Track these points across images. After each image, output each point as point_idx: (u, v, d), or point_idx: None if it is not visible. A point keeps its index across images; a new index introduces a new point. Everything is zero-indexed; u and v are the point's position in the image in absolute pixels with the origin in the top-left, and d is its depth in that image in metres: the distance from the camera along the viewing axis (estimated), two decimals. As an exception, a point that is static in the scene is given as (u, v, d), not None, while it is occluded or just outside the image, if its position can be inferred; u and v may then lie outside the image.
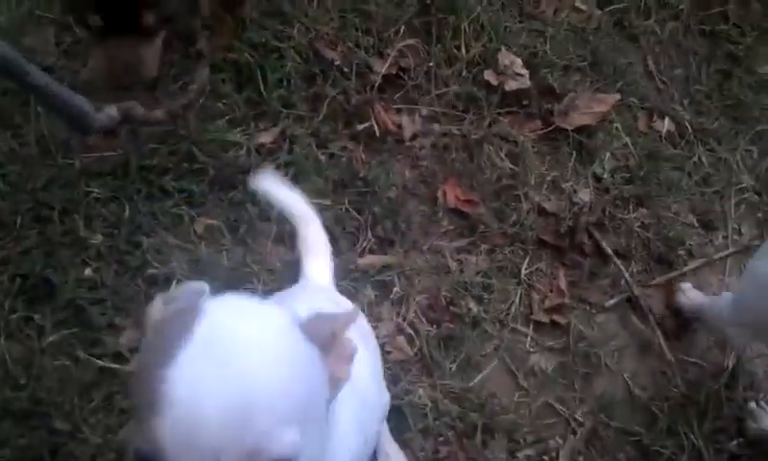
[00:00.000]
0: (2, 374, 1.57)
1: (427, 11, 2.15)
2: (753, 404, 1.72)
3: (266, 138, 1.91)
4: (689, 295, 1.81)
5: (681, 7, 2.35)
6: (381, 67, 2.04)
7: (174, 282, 1.69)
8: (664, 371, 1.77)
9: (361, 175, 1.90)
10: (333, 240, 1.80)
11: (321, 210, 1.82)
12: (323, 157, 1.90)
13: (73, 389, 1.55)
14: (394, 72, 2.04)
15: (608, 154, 2.05)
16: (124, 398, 1.55)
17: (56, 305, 1.63)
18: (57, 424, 1.53)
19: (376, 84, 2.01)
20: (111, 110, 1.44)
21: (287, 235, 1.82)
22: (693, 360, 1.80)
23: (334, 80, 2.01)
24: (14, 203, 1.71)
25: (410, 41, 2.08)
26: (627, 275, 1.86)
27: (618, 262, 1.88)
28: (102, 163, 1.80)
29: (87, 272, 1.68)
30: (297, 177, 1.85)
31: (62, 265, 1.67)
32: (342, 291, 1.72)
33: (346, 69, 2.02)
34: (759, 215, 2.04)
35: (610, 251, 1.89)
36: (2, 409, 1.52)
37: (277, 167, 1.85)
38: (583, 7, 2.32)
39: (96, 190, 1.76)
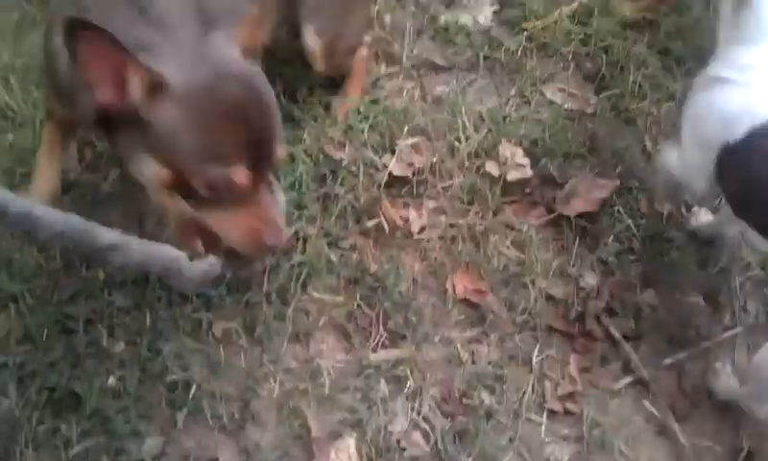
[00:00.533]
0: (30, 485, 1.62)
1: (429, 107, 2.25)
2: None
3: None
4: (724, 381, 1.83)
5: (674, 87, 2.43)
6: (388, 165, 2.13)
7: (194, 387, 1.76)
8: (680, 454, 1.79)
9: (371, 271, 1.96)
10: (346, 336, 1.88)
11: (333, 307, 1.91)
12: (334, 257, 1.96)
13: (100, 499, 1.60)
14: (400, 170, 2.11)
15: (611, 237, 2.10)
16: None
17: (81, 415, 1.68)
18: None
19: (383, 182, 2.09)
20: (211, 261, 1.43)
21: (302, 334, 1.88)
22: (708, 444, 1.81)
23: (343, 179, 2.09)
24: (41, 316, 1.78)
25: (415, 140, 2.17)
26: (636, 358, 1.90)
27: (627, 346, 1.91)
28: (123, 273, 1.88)
29: (111, 381, 1.74)
30: (309, 276, 1.92)
31: (87, 375, 1.73)
32: (355, 389, 1.78)
33: (354, 168, 2.11)
34: (766, 291, 2.07)
35: (618, 335, 1.93)
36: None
37: (291, 268, 1.93)
38: (579, 93, 2.41)
39: (119, 300, 1.83)
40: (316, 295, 1.93)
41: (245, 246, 1.33)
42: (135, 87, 1.22)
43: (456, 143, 2.23)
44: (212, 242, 1.37)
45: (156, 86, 1.22)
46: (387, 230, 2.04)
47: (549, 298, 2.00)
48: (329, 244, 2.00)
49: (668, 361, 1.91)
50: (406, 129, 2.22)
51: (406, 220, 2.08)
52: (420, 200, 2.13)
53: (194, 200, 1.29)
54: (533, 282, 2.01)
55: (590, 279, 2.03)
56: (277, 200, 1.39)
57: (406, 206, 2.11)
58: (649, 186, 2.20)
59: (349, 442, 1.71)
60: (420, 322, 1.92)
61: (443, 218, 2.10)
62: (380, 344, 1.88)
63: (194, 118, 1.23)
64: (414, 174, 2.15)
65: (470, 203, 2.13)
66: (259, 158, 1.28)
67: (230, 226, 1.31)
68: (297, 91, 2.21)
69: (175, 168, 1.25)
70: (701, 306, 2.03)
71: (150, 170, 1.29)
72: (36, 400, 1.70)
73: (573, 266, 2.05)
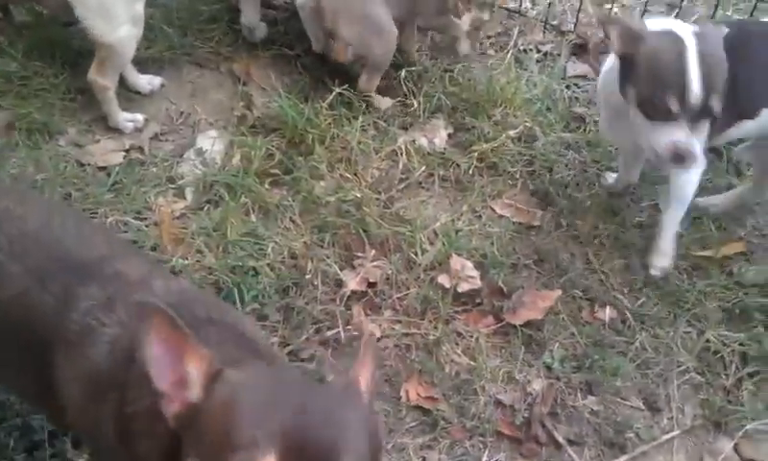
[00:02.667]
0: None
1: (388, 222, 2.42)
2: None
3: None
4: None
5: (618, 205, 2.62)
6: (351, 281, 2.27)
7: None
8: None
9: (329, 378, 2.07)
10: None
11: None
12: (293, 364, 2.07)
13: None
14: (359, 285, 2.26)
15: (556, 344, 2.23)
16: None
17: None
18: None
19: (344, 295, 2.22)
20: None
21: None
22: None
23: (304, 292, 2.23)
24: (7, 428, 1.85)
25: (374, 254, 2.33)
26: (579, 461, 2.00)
27: (571, 450, 2.02)
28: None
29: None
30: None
31: (51, 484, 1.79)
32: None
33: (315, 282, 2.25)
34: (701, 395, 2.19)
35: (562, 439, 2.03)
36: None
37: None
38: (526, 208, 2.60)
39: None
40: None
41: None
42: (194, 379, 1.11)
43: (413, 256, 2.38)
44: None
45: (214, 375, 1.11)
46: (344, 340, 2.16)
47: (498, 403, 2.11)
48: (289, 353, 2.10)
49: (609, 464, 2.01)
50: (366, 243, 2.37)
51: (363, 329, 2.20)
52: (377, 310, 2.26)
53: None
54: (482, 388, 2.12)
55: (536, 385, 2.15)
56: None
57: (364, 316, 2.24)
58: (591, 296, 2.36)
59: None
60: (374, 428, 2.01)
61: (398, 327, 2.23)
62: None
63: (237, 401, 1.08)
64: (371, 286, 2.29)
65: (424, 313, 2.26)
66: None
67: None
68: (260, 207, 2.37)
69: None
70: (640, 411, 2.14)
71: None
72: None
73: (520, 372, 2.17)
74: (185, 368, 1.10)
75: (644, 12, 3.11)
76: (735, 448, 2.08)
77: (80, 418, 1.40)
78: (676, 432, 2.10)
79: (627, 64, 2.07)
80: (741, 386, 2.20)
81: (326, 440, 1.04)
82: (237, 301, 2.15)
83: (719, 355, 2.27)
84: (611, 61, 2.24)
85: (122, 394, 1.26)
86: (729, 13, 3.28)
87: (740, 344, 2.28)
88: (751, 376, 2.22)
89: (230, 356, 1.20)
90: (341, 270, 2.32)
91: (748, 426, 2.10)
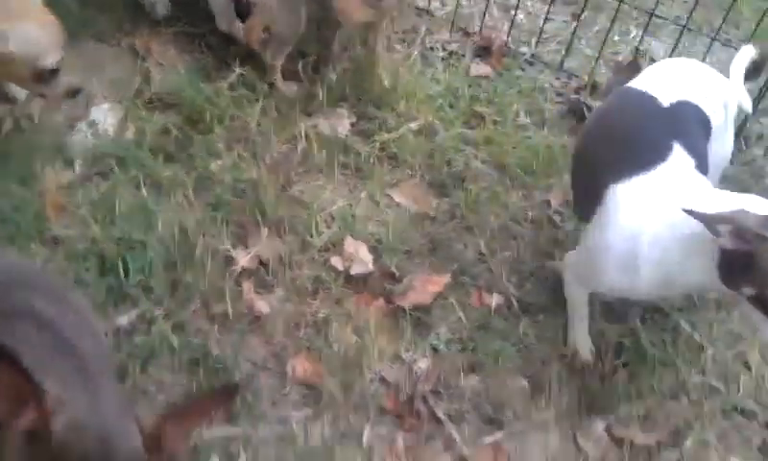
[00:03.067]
0: None
1: (285, 203, 2.42)
2: None
3: (124, 321, 2.06)
4: None
5: (509, 198, 2.71)
6: (242, 258, 2.26)
7: None
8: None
9: (214, 353, 2.05)
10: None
11: (173, 386, 1.97)
12: (177, 340, 2.04)
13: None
14: (251, 263, 2.25)
15: (444, 327, 2.28)
16: None
17: None
18: None
19: (234, 272, 2.21)
20: None
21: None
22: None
23: (194, 267, 2.20)
24: None
25: (267, 233, 2.32)
26: (458, 437, 2.04)
27: (450, 425, 2.06)
28: None
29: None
30: (149, 358, 1.99)
31: None
32: (190, 451, 1.83)
33: (206, 258, 2.23)
34: (578, 381, 2.27)
35: (443, 415, 2.08)
36: None
37: (133, 348, 1.99)
38: (423, 198, 2.65)
39: None
40: (156, 375, 1.99)
41: None
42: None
43: (308, 238, 2.39)
44: None
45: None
46: (232, 316, 2.15)
47: (383, 381, 2.14)
48: (174, 327, 2.08)
49: (487, 440, 2.07)
50: (261, 224, 2.37)
51: (253, 306, 2.20)
52: (269, 288, 2.26)
53: None
54: (369, 366, 2.14)
55: (422, 364, 2.19)
56: None
57: (255, 293, 2.23)
58: (480, 284, 2.42)
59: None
60: (257, 401, 2.00)
61: (288, 306, 2.23)
62: (216, 421, 1.94)
63: None
64: (263, 265, 2.29)
65: (315, 292, 2.28)
66: None
67: None
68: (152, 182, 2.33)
69: None
70: (520, 392, 2.21)
71: None
72: None
73: (407, 352, 2.21)
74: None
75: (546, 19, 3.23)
76: (607, 429, 2.17)
77: None
78: (551, 412, 2.17)
79: (736, 256, 1.77)
80: (616, 374, 2.30)
81: None
82: (122, 273, 2.11)
83: (597, 346, 2.37)
84: (663, 224, 1.91)
85: None
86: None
87: (619, 336, 2.39)
88: (625, 365, 2.32)
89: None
90: (233, 248, 2.30)
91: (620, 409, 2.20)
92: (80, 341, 1.34)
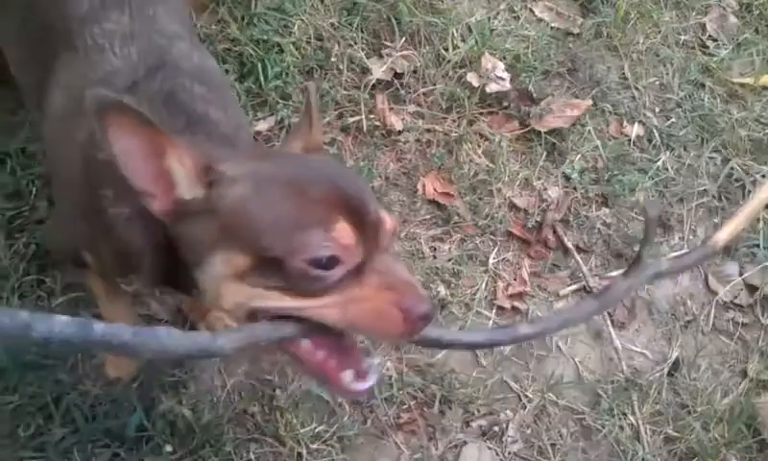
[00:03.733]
0: (17, 329, 1.76)
1: (421, 11, 2.31)
2: None
3: (263, 126, 2.09)
4: None
5: (661, 18, 2.49)
6: (377, 69, 2.21)
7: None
8: (612, 357, 1.95)
9: (348, 165, 2.07)
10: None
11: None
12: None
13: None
14: (385, 74, 2.20)
15: (578, 155, 2.21)
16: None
17: (65, 271, 1.82)
18: (61, 376, 1.72)
19: (368, 83, 2.17)
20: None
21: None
22: (639, 349, 1.97)
23: (329, 75, 2.18)
24: (31, 175, 1.89)
25: (403, 44, 2.25)
26: (585, 267, 2.03)
27: (578, 256, 2.05)
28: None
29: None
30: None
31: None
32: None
33: (340, 66, 2.19)
34: (716, 220, 2.19)
35: (571, 245, 2.07)
36: (14, 361, 1.71)
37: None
38: (567, 14, 2.47)
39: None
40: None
41: (380, 328, 1.03)
42: (182, 176, 1.05)
43: (443, 52, 2.30)
44: None
45: (205, 170, 1.05)
46: (365, 129, 2.14)
47: (512, 206, 2.12)
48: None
49: (613, 273, 2.05)
50: (397, 31, 2.28)
51: (386, 120, 2.18)
52: (401, 103, 2.22)
53: (284, 288, 1.02)
54: (499, 190, 2.13)
55: (552, 193, 2.15)
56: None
57: (389, 107, 2.20)
58: (621, 111, 2.30)
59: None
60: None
61: (420, 122, 2.20)
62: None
63: (273, 187, 1.05)
64: (397, 77, 2.23)
65: (449, 110, 2.22)
66: (362, 220, 1.03)
67: (350, 310, 1.02)
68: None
69: (260, 253, 1.02)
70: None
71: (220, 268, 1.05)
72: (24, 252, 1.83)
73: (538, 179, 2.17)
74: (166, 165, 1.04)
75: None
76: (741, 274, 2.11)
77: (49, 140, 1.44)
78: (685, 251, 2.12)
79: None
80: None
81: (359, 193, 1.06)
82: (261, 76, 2.11)
83: (740, 184, 2.25)
84: None
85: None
86: None
87: (763, 176, 2.26)
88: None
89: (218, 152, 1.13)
90: (367, 57, 2.25)
91: (758, 253, 2.12)
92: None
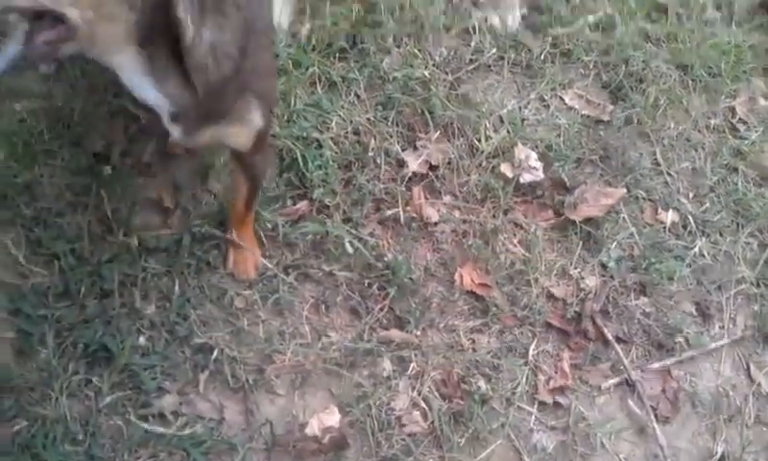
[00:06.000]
0: (62, 429, 1.78)
1: (454, 104, 2.37)
2: None
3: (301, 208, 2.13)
4: None
5: (691, 103, 2.54)
6: (413, 161, 2.26)
7: (216, 351, 1.91)
8: (657, 454, 1.93)
9: (386, 258, 2.10)
10: (356, 314, 2.02)
11: (348, 283, 2.05)
12: (353, 240, 2.10)
13: (123, 447, 1.76)
14: (420, 167, 2.25)
15: (614, 243, 2.23)
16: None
17: (113, 369, 1.84)
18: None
19: (405, 176, 2.22)
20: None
21: (316, 307, 2.03)
22: (684, 446, 1.95)
23: (366, 168, 2.23)
24: (80, 275, 1.94)
25: (437, 136, 2.30)
26: (626, 360, 2.03)
27: (618, 348, 2.05)
28: (158, 240, 2.03)
29: (141, 340, 1.90)
30: (329, 251, 2.07)
31: (120, 333, 1.89)
32: (362, 365, 1.93)
33: (378, 159, 2.25)
34: (755, 307, 2.19)
35: (611, 337, 2.07)
36: (61, 461, 1.73)
37: (305, 237, 2.07)
38: (597, 101, 2.52)
39: (152, 265, 1.99)
40: (331, 269, 2.07)
41: None
42: None
43: (476, 142, 2.35)
44: None
45: None
46: (403, 221, 2.18)
47: (550, 296, 2.14)
48: (347, 221, 2.13)
49: (655, 365, 2.05)
50: (431, 124, 2.34)
51: (422, 212, 2.21)
52: (436, 194, 2.26)
53: None
54: (536, 280, 2.14)
55: (590, 282, 2.16)
56: None
57: (424, 199, 2.24)
58: (655, 197, 2.32)
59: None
60: (426, 308, 2.06)
61: (456, 213, 2.24)
62: (388, 325, 2.02)
63: None
64: (432, 169, 2.28)
65: (483, 200, 2.26)
66: None
67: None
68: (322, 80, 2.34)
69: None
70: (692, 316, 2.15)
71: None
72: (72, 352, 1.85)
73: (575, 268, 2.18)
74: None
75: None
76: (782, 363, 2.10)
77: None
78: (725, 341, 2.11)
79: None
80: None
81: None
82: (303, 168, 2.16)
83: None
84: None
85: None
86: None
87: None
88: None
89: None
90: (403, 150, 2.30)
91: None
92: None
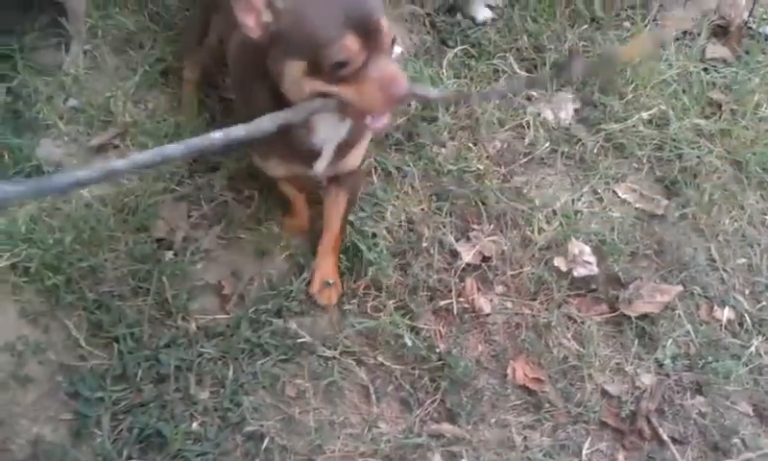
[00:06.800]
0: (117, 514, 1.80)
1: (507, 195, 2.40)
2: None
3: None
4: None
5: (746, 199, 2.52)
6: (466, 252, 2.28)
7: (267, 440, 1.92)
8: None
9: (438, 349, 2.10)
10: (407, 406, 2.01)
11: (400, 374, 2.05)
12: (407, 330, 2.11)
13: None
14: (473, 258, 2.27)
15: (670, 340, 2.19)
16: None
17: (165, 455, 1.86)
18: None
19: (458, 267, 2.24)
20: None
21: (367, 398, 2.03)
22: None
23: (420, 258, 2.25)
24: (138, 359, 1.98)
25: (490, 228, 2.32)
26: (682, 462, 1.98)
27: (674, 449, 2.00)
28: (215, 325, 2.07)
29: (194, 426, 1.92)
30: (382, 343, 2.08)
31: (174, 418, 1.91)
32: (414, 446, 1.91)
33: (431, 249, 2.27)
34: (816, 410, 2.11)
35: (666, 437, 2.02)
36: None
37: (361, 329, 2.09)
38: (650, 195, 2.52)
39: (207, 350, 2.02)
40: (384, 361, 2.08)
41: (374, 102, 1.58)
42: (260, 4, 1.58)
43: (529, 234, 2.36)
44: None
45: (268, 3, 1.58)
46: (456, 311, 2.18)
47: (604, 393, 2.10)
48: (404, 313, 2.15)
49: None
50: (484, 215, 2.37)
51: (474, 303, 2.22)
52: (489, 285, 2.27)
53: (328, 78, 1.58)
54: (590, 376, 2.11)
55: (645, 380, 2.12)
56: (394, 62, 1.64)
57: (477, 290, 2.25)
58: (711, 294, 2.29)
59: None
60: (478, 402, 2.04)
61: (509, 305, 2.24)
62: (439, 418, 2.00)
63: (301, 14, 1.59)
64: (485, 260, 2.29)
65: (536, 293, 2.26)
66: (366, 30, 1.54)
67: (359, 91, 1.56)
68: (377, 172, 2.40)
69: (307, 57, 1.58)
70: (749, 417, 2.09)
71: (292, 68, 1.61)
72: (127, 436, 1.88)
73: (630, 365, 2.15)
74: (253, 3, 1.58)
75: None
76: None
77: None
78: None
79: None
80: None
81: (364, 10, 1.57)
82: (360, 257, 2.19)
83: None
84: None
85: None
86: None
87: None
88: None
89: None
90: (456, 241, 2.33)
91: None
92: None
